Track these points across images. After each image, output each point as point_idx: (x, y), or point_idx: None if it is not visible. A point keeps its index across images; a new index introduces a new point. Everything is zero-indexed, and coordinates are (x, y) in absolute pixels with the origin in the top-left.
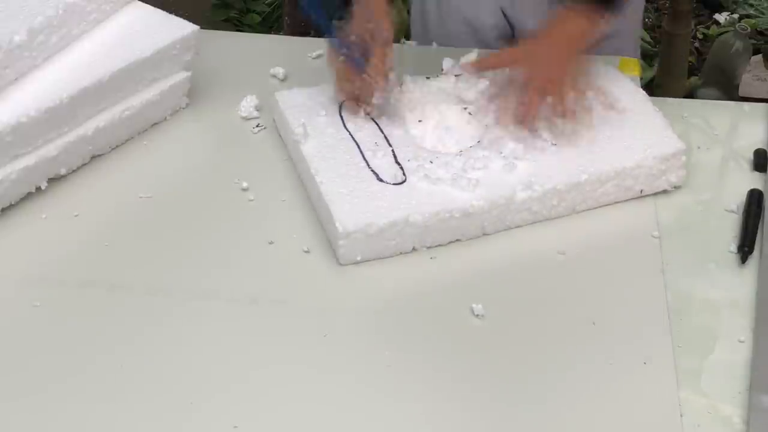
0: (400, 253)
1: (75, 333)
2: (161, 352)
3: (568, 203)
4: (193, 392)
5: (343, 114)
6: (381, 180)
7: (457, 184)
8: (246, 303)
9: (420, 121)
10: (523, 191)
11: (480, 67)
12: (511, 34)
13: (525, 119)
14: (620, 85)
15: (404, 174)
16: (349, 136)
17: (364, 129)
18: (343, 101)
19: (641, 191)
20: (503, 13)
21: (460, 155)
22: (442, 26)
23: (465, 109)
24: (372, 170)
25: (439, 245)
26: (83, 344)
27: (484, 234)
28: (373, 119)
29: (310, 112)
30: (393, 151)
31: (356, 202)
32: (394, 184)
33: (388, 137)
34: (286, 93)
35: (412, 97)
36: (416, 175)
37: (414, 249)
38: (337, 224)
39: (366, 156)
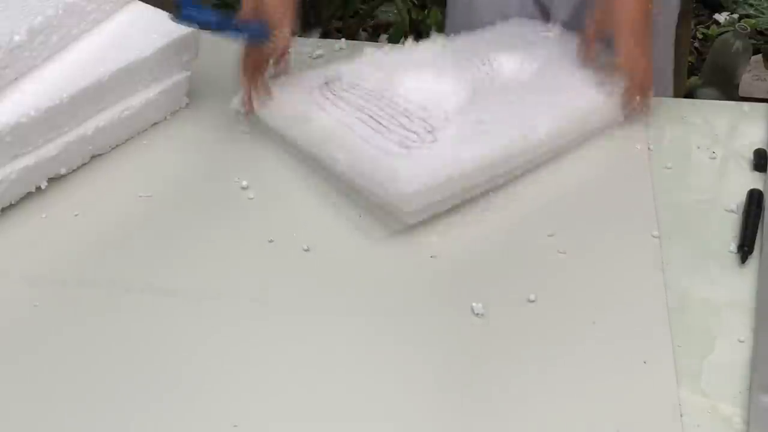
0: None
1: (75, 333)
2: (161, 351)
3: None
4: (194, 391)
5: (337, 93)
6: (419, 139)
7: (484, 129)
8: (246, 301)
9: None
10: (541, 126)
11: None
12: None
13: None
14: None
15: (433, 130)
16: (355, 112)
17: (369, 99)
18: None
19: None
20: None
21: (462, 107)
22: (473, 16)
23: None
24: (403, 132)
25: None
26: (83, 344)
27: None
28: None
29: (302, 95)
30: (406, 111)
31: (409, 163)
32: (429, 142)
33: (395, 103)
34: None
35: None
36: (447, 132)
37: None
38: (400, 183)
39: (385, 123)
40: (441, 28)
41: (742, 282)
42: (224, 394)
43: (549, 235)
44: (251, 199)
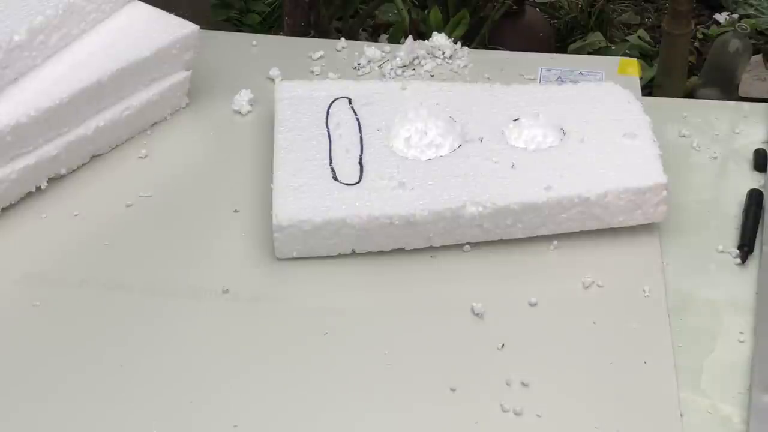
0: (339, 255)
1: (75, 333)
2: (161, 351)
3: (526, 225)
4: (193, 391)
5: (330, 110)
6: (335, 179)
7: (407, 190)
8: (247, 301)
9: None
10: (474, 206)
11: None
12: None
13: None
14: (626, 106)
15: (361, 175)
16: (326, 133)
17: (348, 127)
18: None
19: (614, 223)
20: None
21: (429, 161)
22: None
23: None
24: (331, 168)
25: (381, 252)
26: (83, 344)
27: (431, 246)
28: (357, 120)
29: (301, 105)
30: (362, 150)
31: (302, 197)
32: (347, 184)
33: (368, 138)
34: (286, 84)
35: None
36: (375, 179)
37: (354, 252)
38: (274, 217)
39: (333, 154)
40: (441, 28)
41: (742, 282)
42: (225, 394)
43: (547, 236)
44: (252, 199)
